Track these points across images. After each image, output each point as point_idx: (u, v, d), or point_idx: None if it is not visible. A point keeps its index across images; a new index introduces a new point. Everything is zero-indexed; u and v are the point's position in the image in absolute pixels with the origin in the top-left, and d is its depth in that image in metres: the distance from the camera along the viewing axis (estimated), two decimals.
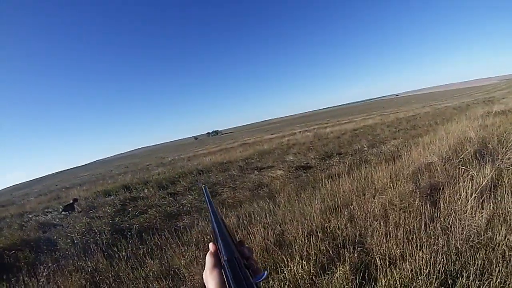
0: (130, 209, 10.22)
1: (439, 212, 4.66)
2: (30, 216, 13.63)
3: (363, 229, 4.61)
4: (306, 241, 4.45)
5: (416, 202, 5.05)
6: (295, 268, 3.78)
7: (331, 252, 4.10)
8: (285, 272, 3.78)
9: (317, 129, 31.83)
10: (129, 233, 7.24)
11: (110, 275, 5.20)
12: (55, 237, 8.38)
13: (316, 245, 4.28)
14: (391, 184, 6.21)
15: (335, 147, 14.88)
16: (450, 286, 3.12)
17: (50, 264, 6.44)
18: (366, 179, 7.12)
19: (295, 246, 4.42)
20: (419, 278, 3.21)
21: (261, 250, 4.51)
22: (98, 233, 7.67)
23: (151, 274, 4.85)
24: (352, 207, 5.50)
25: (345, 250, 4.03)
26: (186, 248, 5.48)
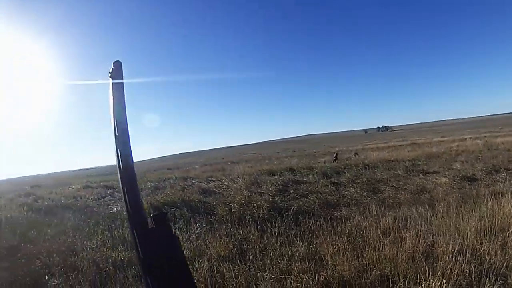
0: (291, 191, 10.80)
1: None
2: (194, 181, 15.43)
3: None
4: (453, 258, 4.23)
5: None
6: (433, 283, 3.67)
7: (473, 277, 3.89)
8: (423, 285, 3.72)
9: (488, 137, 30.15)
10: (286, 213, 7.68)
11: (258, 246, 5.67)
12: (214, 203, 9.40)
13: (462, 265, 4.06)
14: None
15: (504, 160, 13.61)
16: None
17: (204, 225, 7.27)
18: None
19: (440, 261, 4.24)
20: None
21: (407, 257, 4.42)
22: (256, 207, 8.29)
23: (297, 254, 5.11)
24: (508, 233, 5.07)
25: (487, 278, 3.79)
26: (337, 238, 5.58)
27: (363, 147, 38.95)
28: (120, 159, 1.38)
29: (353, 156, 23.69)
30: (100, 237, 7.23)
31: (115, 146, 1.39)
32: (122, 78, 1.46)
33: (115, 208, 10.59)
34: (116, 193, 14.34)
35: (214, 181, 15.11)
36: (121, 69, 1.47)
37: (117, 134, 1.39)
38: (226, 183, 13.68)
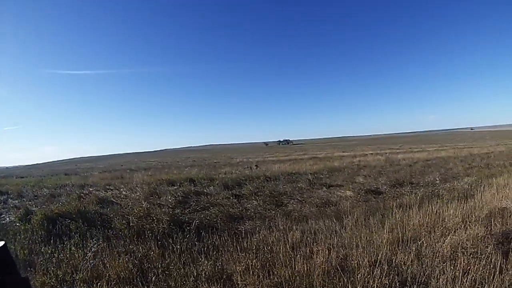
0: (192, 203, 10.43)
1: (509, 265, 4.39)
2: (91, 189, 14.54)
3: (430, 268, 4.47)
4: (370, 271, 4.32)
5: (489, 249, 4.87)
6: None
7: None
8: None
9: (389, 153, 32.12)
10: (188, 227, 7.31)
11: (160, 265, 5.27)
12: (112, 215, 8.78)
13: (380, 277, 4.14)
14: (462, 225, 6.09)
15: (406, 175, 14.66)
16: None
17: (101, 241, 6.74)
18: (437, 214, 6.85)
19: (357, 275, 4.28)
20: None
21: (322, 272, 4.38)
22: (156, 220, 7.84)
23: (203, 274, 4.82)
24: (420, 243, 5.35)
25: None
26: (244, 254, 5.40)
27: (264, 159, 39.80)
28: None
29: (254, 167, 23.97)
30: None
31: None
32: None
33: (7, 219, 9.51)
34: (10, 200, 13.12)
35: (112, 189, 14.31)
36: None
37: None
38: (124, 193, 13.00)
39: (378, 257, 4.76)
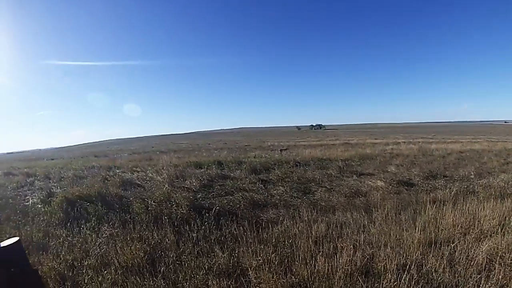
0: (216, 187, 10.20)
1: None
2: (118, 171, 14.55)
3: (463, 279, 3.99)
4: (397, 277, 3.91)
5: None
6: None
7: None
8: None
9: (422, 143, 30.75)
10: (207, 214, 7.03)
11: (172, 255, 5.04)
12: (132, 198, 8.66)
13: (408, 286, 3.76)
14: (499, 228, 5.50)
15: (440, 167, 13.89)
16: None
17: (116, 226, 6.58)
18: (472, 214, 6.31)
19: (383, 280, 3.89)
20: None
21: (344, 275, 4.02)
22: (175, 205, 7.65)
23: (215, 267, 4.53)
24: (453, 246, 4.87)
25: None
26: (262, 247, 5.07)
27: (295, 143, 39.39)
28: None
29: (279, 151, 23.64)
30: (6, 236, 6.30)
31: None
32: None
33: (31, 200, 9.55)
34: (36, 182, 13.20)
35: (138, 171, 14.22)
36: None
37: None
38: (150, 175, 12.88)
39: (408, 261, 4.35)
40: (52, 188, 10.83)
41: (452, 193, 8.64)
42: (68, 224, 6.82)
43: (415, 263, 4.30)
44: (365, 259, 4.45)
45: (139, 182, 11.34)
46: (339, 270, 4.09)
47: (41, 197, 9.39)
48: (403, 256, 4.48)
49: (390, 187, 9.96)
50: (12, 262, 1.30)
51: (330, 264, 4.23)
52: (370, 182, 10.65)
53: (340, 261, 4.33)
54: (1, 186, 12.49)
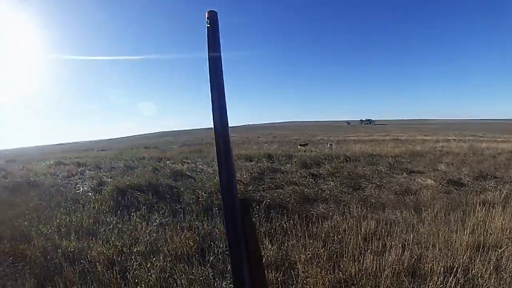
0: (267, 180, 10.18)
1: None
2: (168, 162, 14.83)
3: (508, 286, 3.84)
4: (444, 280, 3.79)
5: None
6: None
7: None
8: None
9: (472, 141, 29.13)
10: (258, 206, 7.06)
11: (222, 245, 5.09)
12: (182, 189, 8.79)
13: None
14: None
15: (490, 167, 13.04)
16: None
17: (166, 215, 6.70)
18: None
19: (429, 282, 3.79)
20: None
21: (391, 274, 3.92)
22: None
23: (263, 259, 4.51)
24: (501, 251, 4.60)
25: None
26: (312, 241, 5.03)
27: (345, 138, 38.86)
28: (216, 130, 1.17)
29: (328, 146, 23.37)
30: (57, 221, 6.64)
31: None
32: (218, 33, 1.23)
33: (81, 189, 9.94)
34: (87, 171, 13.68)
35: (188, 163, 14.54)
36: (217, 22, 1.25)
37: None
38: (200, 166, 13.13)
39: (455, 263, 4.18)
40: (103, 178, 11.25)
41: (502, 195, 8.17)
42: (118, 212, 7.08)
43: (462, 266, 4.14)
44: (413, 259, 4.34)
45: (189, 174, 11.53)
46: (387, 268, 4.02)
47: (92, 186, 9.80)
48: (451, 259, 4.33)
49: (440, 186, 9.58)
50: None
51: (378, 262, 4.16)
52: (420, 180, 10.33)
53: (389, 259, 4.26)
54: (53, 174, 13.07)
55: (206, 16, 1.23)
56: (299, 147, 22.91)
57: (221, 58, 1.20)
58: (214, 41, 1.19)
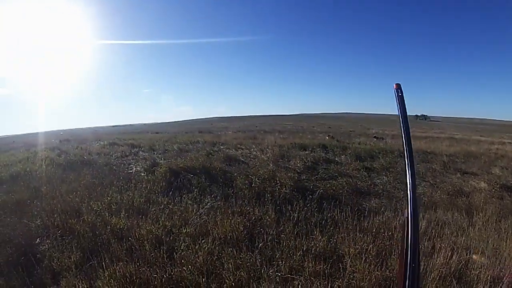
0: (320, 170, 10.11)
1: None
2: (222, 147, 14.99)
3: None
4: None
5: None
6: None
7: None
8: None
9: None
10: (310, 196, 7.09)
11: (272, 232, 5.15)
12: (236, 174, 8.92)
13: None
14: None
15: None
16: None
17: (218, 198, 6.83)
18: None
19: None
20: None
21: (437, 277, 3.82)
22: (279, 184, 7.77)
23: (313, 249, 4.56)
24: None
25: None
26: (362, 236, 5.01)
27: (399, 133, 37.92)
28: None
29: (389, 141, 22.89)
30: (108, 199, 6.93)
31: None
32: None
33: (134, 169, 10.25)
34: (140, 152, 13.95)
35: (242, 149, 14.63)
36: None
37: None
38: (254, 153, 13.19)
39: (502, 274, 4.01)
40: (156, 159, 11.48)
41: None
42: (170, 193, 7.27)
43: (508, 277, 3.96)
44: (461, 264, 4.20)
45: (243, 159, 11.62)
46: (434, 271, 3.93)
47: (145, 166, 10.04)
48: (498, 268, 4.16)
49: (493, 190, 9.13)
50: None
51: (425, 263, 4.10)
52: (473, 182, 9.96)
53: (437, 261, 4.16)
54: (106, 154, 13.48)
55: (395, 88, 1.46)
56: (374, 139, 22.91)
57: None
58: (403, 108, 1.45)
